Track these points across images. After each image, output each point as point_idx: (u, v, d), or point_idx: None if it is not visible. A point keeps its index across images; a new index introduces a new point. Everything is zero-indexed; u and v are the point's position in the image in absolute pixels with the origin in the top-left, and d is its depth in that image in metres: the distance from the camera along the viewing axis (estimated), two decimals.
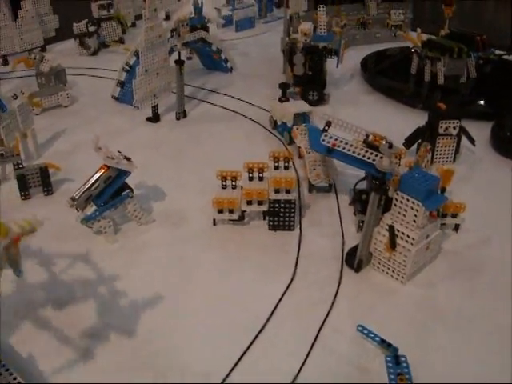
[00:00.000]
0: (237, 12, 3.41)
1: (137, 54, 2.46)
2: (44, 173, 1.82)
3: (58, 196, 1.85)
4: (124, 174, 1.60)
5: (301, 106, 2.16)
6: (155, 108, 2.30)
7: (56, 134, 2.24)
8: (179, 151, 2.12)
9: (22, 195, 1.82)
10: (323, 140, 1.50)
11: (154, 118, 2.31)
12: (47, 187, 1.84)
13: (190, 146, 2.16)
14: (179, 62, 2.24)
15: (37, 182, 1.83)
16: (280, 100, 2.20)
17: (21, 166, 1.81)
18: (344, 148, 1.48)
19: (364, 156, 1.46)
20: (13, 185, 1.86)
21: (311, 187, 1.90)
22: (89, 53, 3.12)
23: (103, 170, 1.58)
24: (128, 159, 1.60)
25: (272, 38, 3.35)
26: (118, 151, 1.61)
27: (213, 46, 2.67)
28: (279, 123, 2.22)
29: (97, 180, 1.58)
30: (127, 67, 2.49)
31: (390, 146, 1.40)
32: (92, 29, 3.10)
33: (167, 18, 3.50)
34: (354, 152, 1.47)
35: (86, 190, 1.57)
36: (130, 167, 1.60)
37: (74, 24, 3.08)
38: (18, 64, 2.49)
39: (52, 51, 3.26)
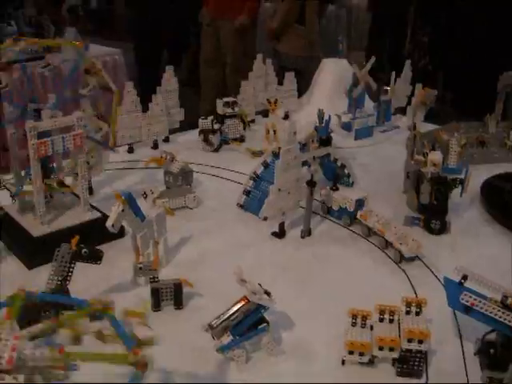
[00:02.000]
0: (357, 121, 3.49)
1: (265, 164, 2.57)
2: (177, 289, 1.91)
3: (187, 311, 1.94)
4: (263, 308, 1.68)
5: (357, 192, 2.53)
6: (282, 224, 2.38)
7: (183, 240, 2.35)
8: (304, 274, 2.19)
9: (153, 307, 1.92)
10: (462, 299, 1.54)
11: (280, 233, 2.39)
12: (178, 302, 1.93)
13: (315, 268, 2.23)
14: (311, 184, 2.32)
15: (169, 296, 1.92)
16: (332, 189, 2.55)
17: (156, 280, 1.91)
18: (482, 308, 1.52)
19: (504, 319, 1.50)
20: (143, 292, 1.97)
21: (401, 258, 2.22)
22: (211, 149, 3.24)
23: (243, 302, 1.67)
24: (268, 294, 1.68)
25: (390, 149, 3.42)
26: (259, 284, 1.69)
27: (338, 161, 2.75)
28: (336, 209, 2.53)
29: (236, 311, 1.66)
30: (254, 176, 2.58)
31: None
32: (217, 126, 3.23)
33: (286, 117, 3.64)
34: (493, 313, 1.51)
35: (224, 320, 1.66)
36: (270, 303, 1.67)
37: (200, 120, 3.23)
38: (150, 163, 2.64)
39: (175, 142, 3.42)
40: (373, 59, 3.71)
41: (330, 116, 2.79)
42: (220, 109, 3.31)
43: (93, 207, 2.43)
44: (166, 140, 3.40)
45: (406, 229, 2.40)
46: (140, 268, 1.94)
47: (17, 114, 2.33)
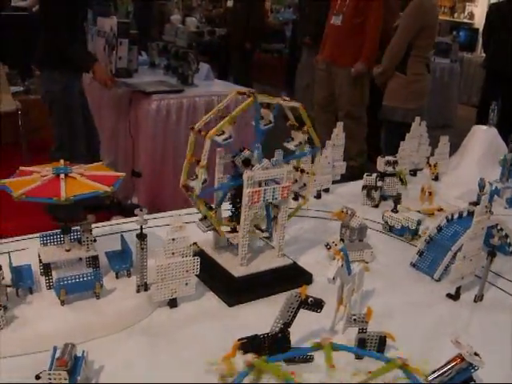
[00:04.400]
0: (507, 190, 3.65)
1: (439, 228, 2.78)
2: (382, 341, 2.12)
3: None
4: (473, 367, 1.89)
5: (415, 214, 3.14)
6: (459, 288, 2.57)
7: (367, 293, 2.54)
8: (483, 336, 2.36)
9: (356, 356, 2.14)
10: None
11: (456, 296, 2.58)
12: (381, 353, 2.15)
13: (492, 332, 2.41)
14: (492, 254, 2.51)
15: (373, 346, 2.13)
16: (392, 211, 3.09)
17: (364, 331, 2.12)
18: None
19: None
20: (340, 340, 2.19)
21: None
22: (372, 204, 3.46)
23: (456, 361, 1.88)
24: (477, 355, 1.88)
25: None
26: (470, 345, 1.90)
27: (503, 230, 2.93)
28: (398, 227, 3.06)
29: (450, 368, 1.87)
30: (429, 238, 2.79)
31: None
32: (380, 183, 3.45)
33: (436, 178, 3.84)
34: None
35: (439, 375, 1.87)
36: (481, 364, 1.88)
37: (365, 176, 3.46)
38: (334, 216, 2.89)
39: (335, 193, 3.66)
40: None
41: (496, 187, 2.99)
42: (381, 166, 3.53)
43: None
44: (327, 191, 3.64)
45: None
46: (354, 320, 2.15)
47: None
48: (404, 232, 3.09)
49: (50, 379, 1.78)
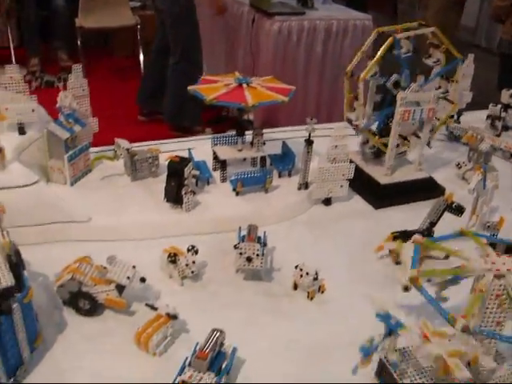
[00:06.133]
0: None
1: None
2: (509, 248, 2.46)
3: None
4: None
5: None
6: None
7: (491, 208, 2.84)
8: None
9: None
10: None
11: None
12: None
13: None
14: None
15: (501, 252, 2.51)
16: (455, 121, 3.62)
17: (495, 236, 2.52)
18: None
19: None
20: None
21: None
22: (494, 134, 3.78)
23: None
24: None
25: None
26: None
27: None
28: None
29: None
30: None
31: None
32: (503, 114, 3.78)
33: None
34: None
35: None
36: None
37: (490, 106, 3.78)
38: (465, 139, 3.27)
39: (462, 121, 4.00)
40: None
41: None
42: (505, 99, 3.83)
43: None
44: (452, 117, 3.97)
45: None
46: (488, 226, 2.55)
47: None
48: None
49: (246, 249, 2.24)
